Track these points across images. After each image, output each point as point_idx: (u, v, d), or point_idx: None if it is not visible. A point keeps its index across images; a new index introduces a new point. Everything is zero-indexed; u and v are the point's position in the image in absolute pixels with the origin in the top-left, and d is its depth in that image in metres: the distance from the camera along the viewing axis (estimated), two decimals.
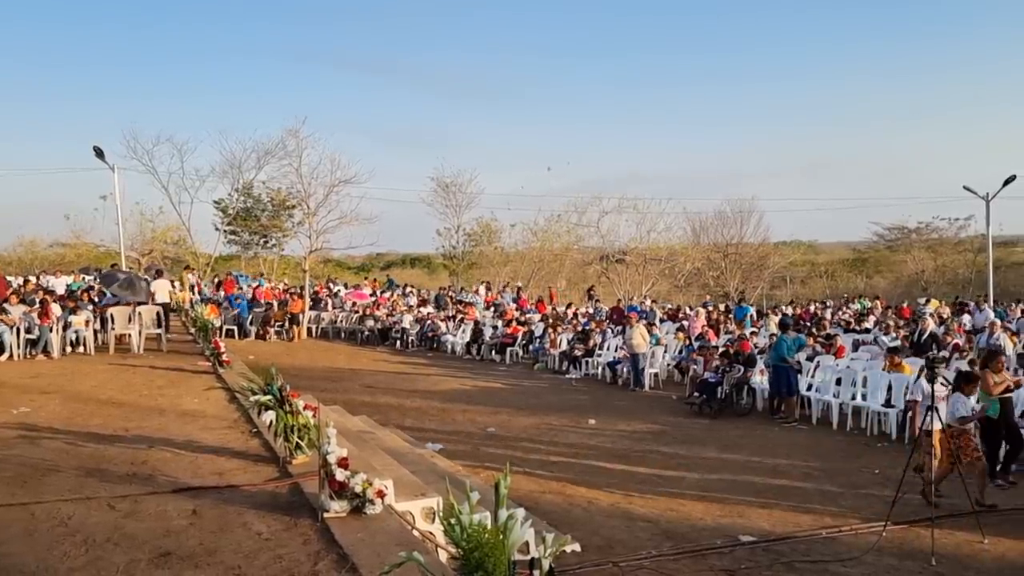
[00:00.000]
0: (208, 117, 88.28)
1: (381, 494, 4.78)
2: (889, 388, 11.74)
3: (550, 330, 20.33)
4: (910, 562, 6.38)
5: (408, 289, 32.34)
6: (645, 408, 14.14)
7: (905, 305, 27.38)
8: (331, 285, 31.88)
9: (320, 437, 5.05)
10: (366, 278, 37.60)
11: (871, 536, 6.92)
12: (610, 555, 6.51)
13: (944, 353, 13.91)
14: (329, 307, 27.19)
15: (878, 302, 28.88)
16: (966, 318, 21.22)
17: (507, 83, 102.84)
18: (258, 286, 28.53)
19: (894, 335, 17.50)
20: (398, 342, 23.88)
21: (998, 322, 16.73)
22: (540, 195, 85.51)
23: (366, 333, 25.00)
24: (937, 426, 7.59)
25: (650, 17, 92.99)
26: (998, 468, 8.91)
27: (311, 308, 25.85)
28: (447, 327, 24.00)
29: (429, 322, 24.40)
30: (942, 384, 7.72)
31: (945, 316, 21.68)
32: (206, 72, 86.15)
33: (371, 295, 29.30)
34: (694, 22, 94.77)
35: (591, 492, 8.64)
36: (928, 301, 27.09)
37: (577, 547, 6.40)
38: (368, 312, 26.04)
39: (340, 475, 4.71)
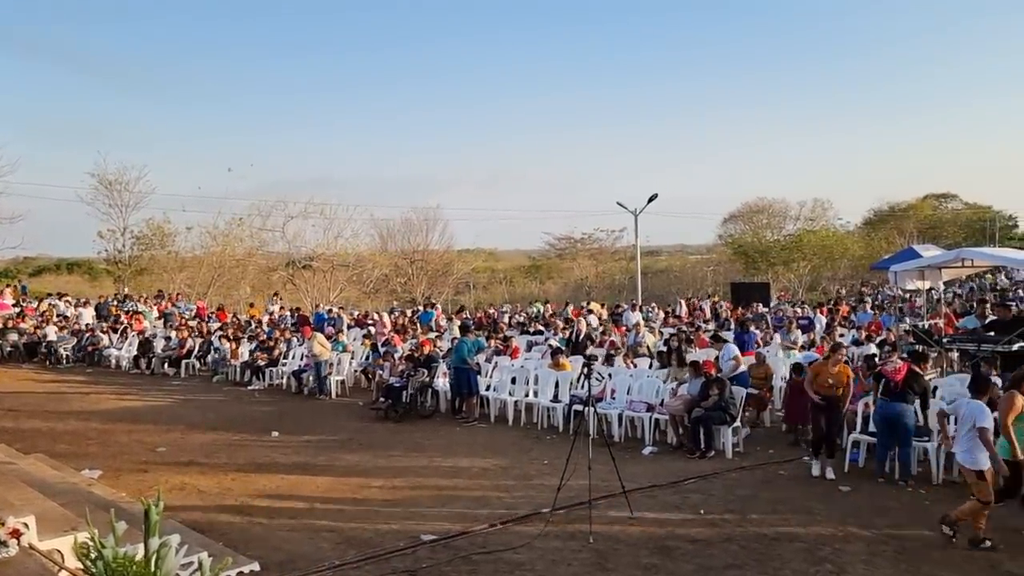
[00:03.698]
0: None
1: (16, 533, 4.16)
2: (556, 385, 12.86)
3: (230, 340, 19.29)
4: (572, 542, 6.99)
5: (64, 298, 28.67)
6: (331, 416, 13.97)
7: (572, 308, 30.05)
8: None
9: None
10: (8, 285, 32.64)
11: (540, 523, 7.49)
12: (292, 570, 6.32)
13: (601, 351, 15.58)
14: None
15: (549, 306, 31.44)
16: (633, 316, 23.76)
17: (183, 75, 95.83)
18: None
19: (561, 336, 19.14)
20: (49, 358, 21.06)
21: (641, 322, 19.12)
22: (221, 197, 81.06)
23: (8, 349, 21.70)
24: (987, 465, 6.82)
25: (337, 16, 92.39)
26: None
27: None
28: (110, 340, 21.69)
29: (88, 335, 21.85)
30: (596, 379, 8.57)
31: (603, 318, 24.24)
32: None
33: (15, 305, 25.51)
34: (384, 24, 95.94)
35: (273, 507, 8.32)
36: (589, 304, 30.06)
37: (256, 566, 6.13)
38: (10, 324, 22.64)
39: None
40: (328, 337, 17.65)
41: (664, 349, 14.62)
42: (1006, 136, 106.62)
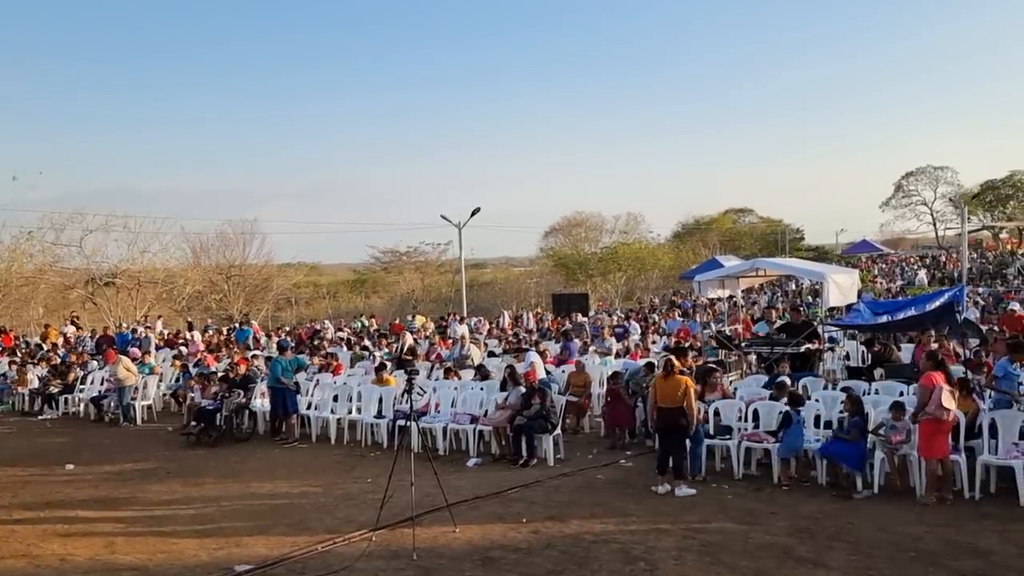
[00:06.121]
0: None
1: None
2: (380, 400, 12.63)
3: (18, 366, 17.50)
4: (396, 561, 6.88)
5: None
6: (136, 444, 12.98)
7: (397, 321, 29.84)
8: None
9: None
10: None
11: (363, 543, 7.31)
12: None
13: (425, 364, 15.57)
14: None
15: (374, 320, 31.01)
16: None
17: None
18: None
19: (387, 350, 18.89)
20: None
21: (467, 334, 19.28)
22: (5, 208, 73.88)
23: None
24: None
25: (136, 18, 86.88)
26: None
27: None
28: None
29: None
30: (419, 393, 8.50)
31: (430, 331, 24.24)
32: None
33: None
34: (187, 28, 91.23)
35: (66, 547, 7.60)
36: (415, 317, 29.99)
37: None
38: None
39: None
40: (133, 359, 16.42)
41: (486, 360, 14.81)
42: (796, 155, 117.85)
